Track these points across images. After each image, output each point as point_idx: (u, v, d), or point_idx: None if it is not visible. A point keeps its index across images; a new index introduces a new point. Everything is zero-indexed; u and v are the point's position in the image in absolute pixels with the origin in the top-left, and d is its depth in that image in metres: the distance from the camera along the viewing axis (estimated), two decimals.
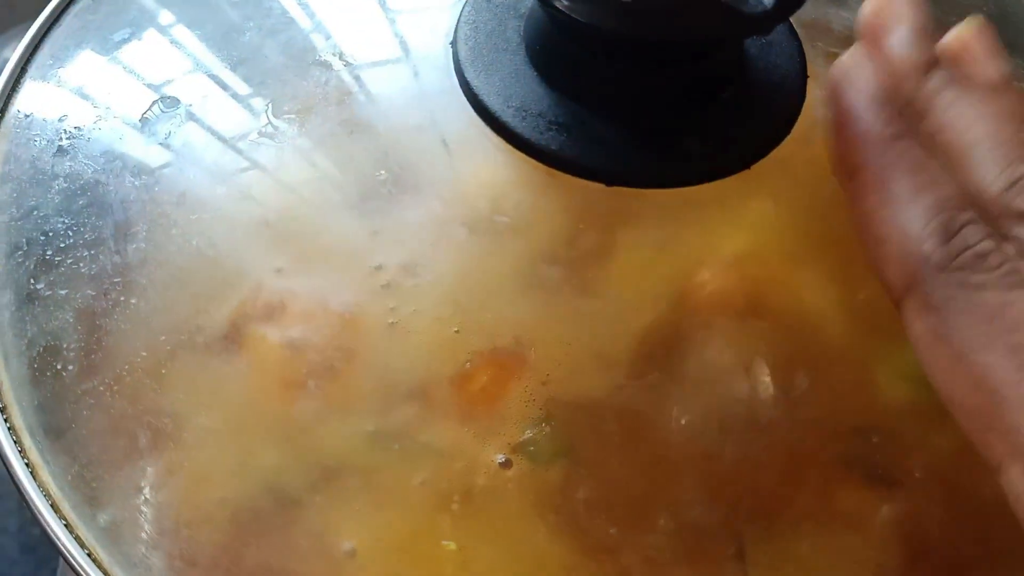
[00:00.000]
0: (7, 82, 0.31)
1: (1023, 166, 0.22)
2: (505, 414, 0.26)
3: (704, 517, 0.25)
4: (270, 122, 0.29)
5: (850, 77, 0.25)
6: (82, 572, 0.24)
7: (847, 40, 0.33)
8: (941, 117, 0.23)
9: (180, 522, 0.25)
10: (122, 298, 0.27)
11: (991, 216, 0.22)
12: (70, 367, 0.26)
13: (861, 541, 0.26)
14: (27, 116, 0.31)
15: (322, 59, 0.30)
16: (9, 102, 0.31)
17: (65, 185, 0.29)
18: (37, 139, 0.30)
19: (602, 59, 0.28)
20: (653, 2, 0.25)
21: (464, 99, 0.29)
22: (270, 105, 0.29)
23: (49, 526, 0.24)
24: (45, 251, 0.28)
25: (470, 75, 0.29)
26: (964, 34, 0.24)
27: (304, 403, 0.26)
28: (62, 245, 0.28)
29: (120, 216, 0.28)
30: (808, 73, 0.31)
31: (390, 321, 0.26)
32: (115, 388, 0.26)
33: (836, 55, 0.32)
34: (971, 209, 0.22)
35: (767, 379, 0.27)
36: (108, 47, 0.32)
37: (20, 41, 0.32)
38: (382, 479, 0.25)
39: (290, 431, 0.26)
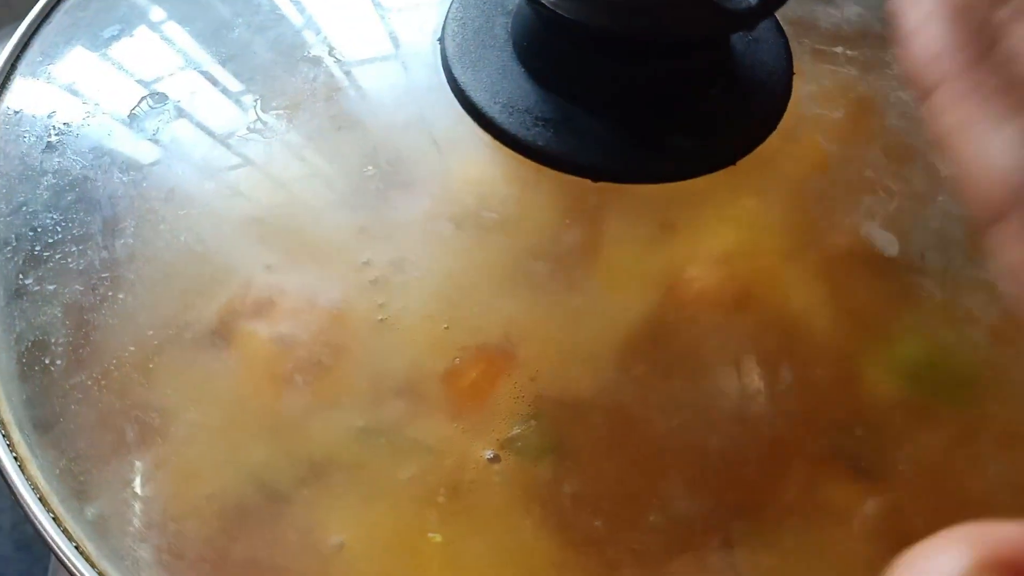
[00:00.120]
0: None
1: None
2: (494, 410, 0.26)
3: (691, 511, 0.25)
4: (259, 118, 0.29)
5: None
6: (70, 565, 0.24)
7: (833, 37, 0.33)
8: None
9: (168, 515, 0.25)
10: (110, 293, 0.27)
11: None
12: (58, 362, 0.26)
13: (847, 534, 0.26)
14: (16, 113, 0.31)
15: (311, 55, 0.31)
16: None
17: (54, 181, 0.29)
18: (26, 135, 0.30)
19: (588, 55, 0.28)
20: None
21: (452, 95, 0.29)
22: (259, 101, 0.30)
23: (37, 519, 0.24)
24: (34, 247, 0.28)
25: (457, 71, 0.29)
26: None
27: (292, 399, 0.26)
28: (50, 241, 0.28)
29: (108, 212, 0.28)
30: (794, 70, 0.31)
31: (379, 318, 0.26)
32: (103, 383, 0.26)
33: (822, 52, 0.32)
34: None
35: (753, 374, 0.27)
36: (98, 44, 0.32)
37: (10, 38, 0.32)
38: (370, 474, 0.25)
39: (279, 426, 0.26)
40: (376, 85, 0.31)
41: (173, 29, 0.32)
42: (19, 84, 0.31)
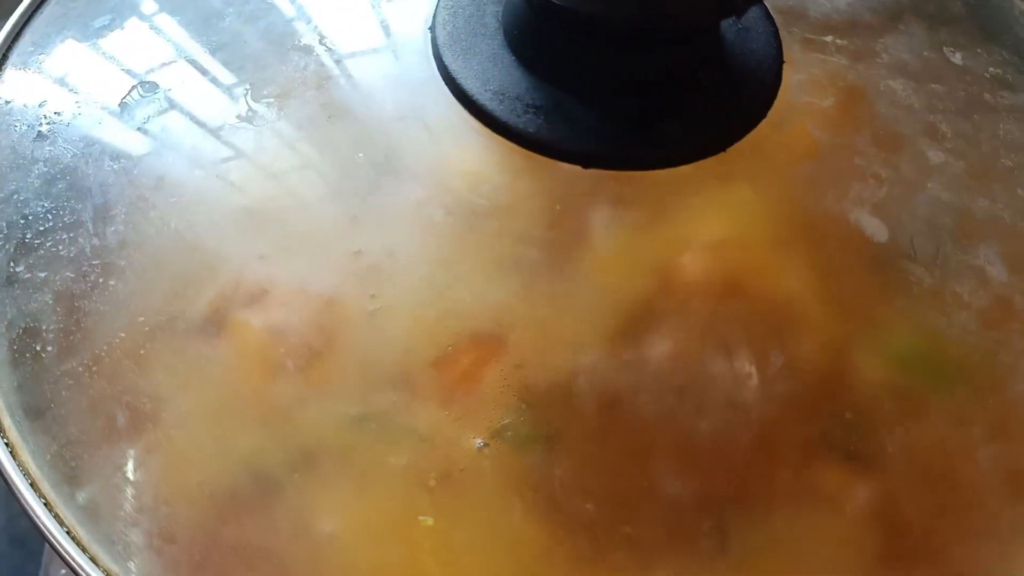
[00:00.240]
0: None
1: None
2: (486, 397, 0.26)
3: (682, 496, 0.25)
4: (249, 107, 0.29)
5: None
6: (62, 550, 0.24)
7: (823, 26, 0.33)
8: None
9: (159, 500, 0.25)
10: (101, 280, 0.27)
11: None
12: (49, 348, 0.26)
13: (838, 519, 0.26)
14: (7, 103, 0.31)
15: (301, 44, 0.31)
16: None
17: (45, 169, 0.29)
18: (17, 125, 0.30)
19: (579, 43, 0.28)
20: None
21: (443, 84, 0.29)
22: (249, 90, 0.30)
23: (29, 505, 0.24)
24: (25, 234, 0.28)
25: (448, 59, 0.29)
26: None
27: (284, 386, 0.26)
28: (42, 228, 0.28)
29: (99, 200, 0.28)
30: (784, 59, 0.31)
31: (370, 308, 0.27)
32: (94, 369, 0.26)
33: (812, 41, 0.33)
34: None
35: (743, 360, 0.27)
36: (89, 33, 0.32)
37: (1, 29, 0.32)
38: (362, 462, 0.25)
39: (270, 414, 0.26)
40: (367, 74, 0.31)
41: (164, 19, 0.32)
42: (10, 74, 0.31)
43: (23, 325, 0.27)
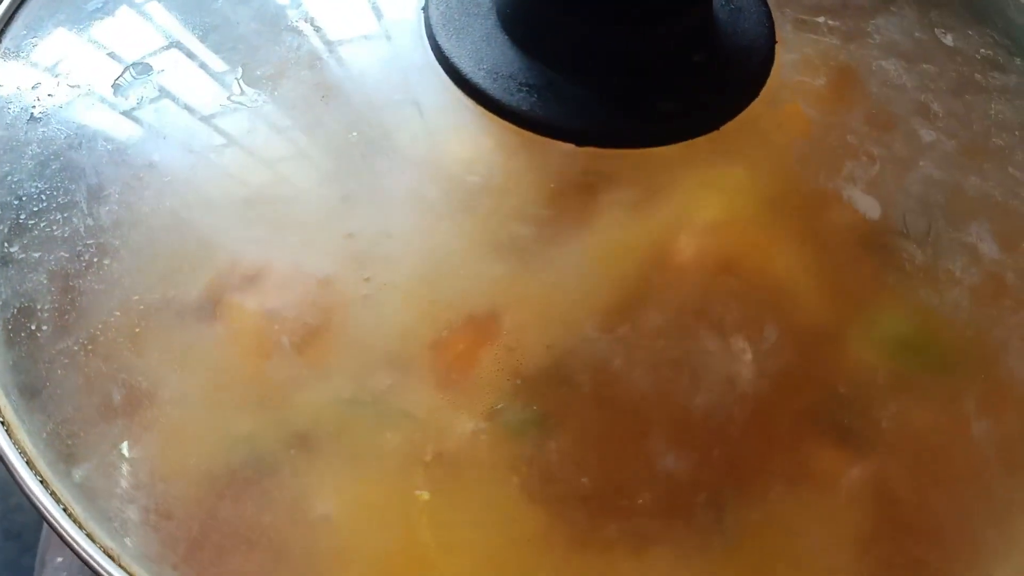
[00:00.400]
0: None
1: None
2: (482, 377, 0.26)
3: (677, 472, 0.26)
4: (242, 88, 0.29)
5: None
6: (58, 527, 0.24)
7: (815, 7, 0.33)
8: None
9: (155, 477, 0.25)
10: (95, 260, 0.27)
11: None
12: (44, 328, 0.26)
13: (833, 497, 0.26)
14: (0, 86, 0.31)
15: (294, 25, 0.31)
16: None
17: (38, 151, 0.29)
18: (11, 107, 0.30)
19: (572, 21, 0.28)
20: None
21: (436, 63, 0.29)
22: (242, 70, 0.30)
23: (25, 483, 0.24)
24: (19, 215, 0.28)
25: (441, 39, 0.29)
26: None
27: (279, 369, 0.26)
28: (35, 209, 0.28)
29: (93, 180, 0.28)
30: (777, 39, 0.31)
31: (365, 290, 0.27)
32: (89, 348, 0.26)
33: (804, 22, 0.33)
34: None
35: (738, 339, 0.27)
36: (81, 16, 0.32)
37: None
38: (358, 443, 0.25)
39: (265, 397, 0.26)
40: (360, 54, 0.31)
41: (156, 1, 0.32)
42: (3, 57, 0.31)
43: (18, 305, 0.27)
